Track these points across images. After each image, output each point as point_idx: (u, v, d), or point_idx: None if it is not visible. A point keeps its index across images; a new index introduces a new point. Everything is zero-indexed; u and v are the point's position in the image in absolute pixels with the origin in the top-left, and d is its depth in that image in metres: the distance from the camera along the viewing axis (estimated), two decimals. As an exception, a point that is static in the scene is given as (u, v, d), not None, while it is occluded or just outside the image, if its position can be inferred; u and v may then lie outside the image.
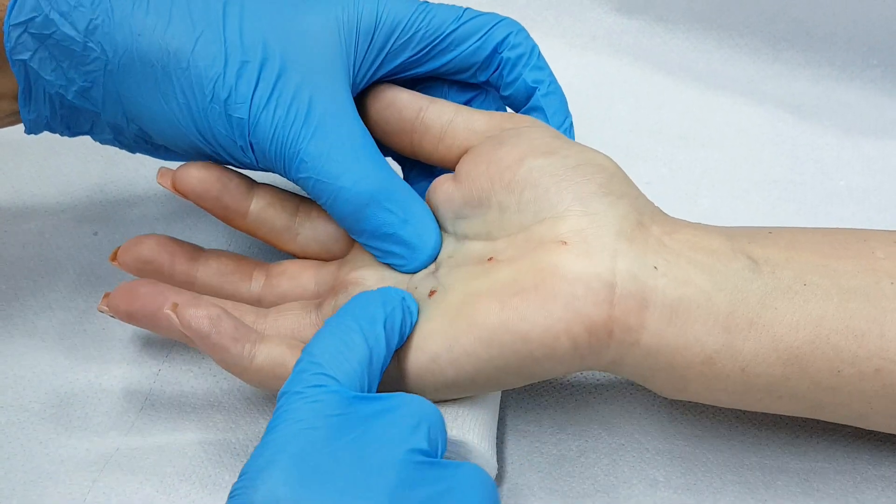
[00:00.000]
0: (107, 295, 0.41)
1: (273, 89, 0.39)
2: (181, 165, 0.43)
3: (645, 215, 0.39)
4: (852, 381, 0.38)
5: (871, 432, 0.43)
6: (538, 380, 0.39)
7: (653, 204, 0.41)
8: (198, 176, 0.42)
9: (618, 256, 0.37)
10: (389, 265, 0.42)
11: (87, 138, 0.43)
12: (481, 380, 0.38)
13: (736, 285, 0.38)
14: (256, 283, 0.44)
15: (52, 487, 0.42)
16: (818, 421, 0.44)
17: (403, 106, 0.43)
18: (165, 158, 0.45)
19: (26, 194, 0.53)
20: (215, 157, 0.42)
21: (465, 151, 0.42)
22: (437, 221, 0.42)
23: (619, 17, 0.63)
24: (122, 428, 0.44)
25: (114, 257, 0.43)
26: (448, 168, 0.43)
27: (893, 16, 0.58)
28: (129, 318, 0.40)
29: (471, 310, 0.37)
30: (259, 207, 0.44)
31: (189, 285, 0.43)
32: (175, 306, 0.39)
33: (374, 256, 0.42)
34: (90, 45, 0.39)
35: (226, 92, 0.39)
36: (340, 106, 0.40)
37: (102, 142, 0.44)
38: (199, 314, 0.39)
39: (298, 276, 0.44)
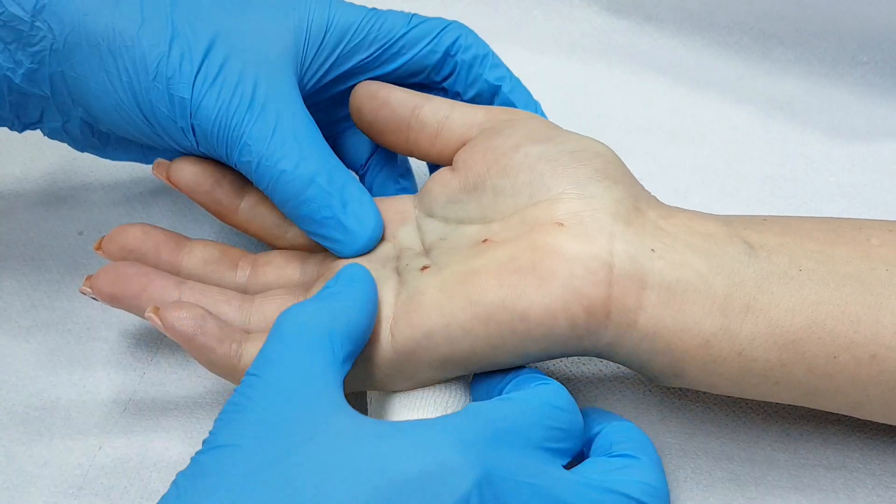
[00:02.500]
0: (89, 277, 0.41)
1: (218, 73, 0.40)
2: (177, 159, 0.43)
3: (641, 200, 0.39)
4: (848, 367, 0.38)
5: (862, 428, 0.43)
6: (534, 360, 0.39)
7: (648, 192, 0.41)
8: (192, 170, 0.43)
9: (615, 238, 0.37)
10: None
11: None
12: (476, 358, 0.38)
13: (732, 268, 0.38)
14: (242, 273, 0.44)
15: (36, 493, 0.42)
16: (810, 415, 0.43)
17: (398, 104, 0.43)
18: (113, 158, 0.46)
19: (10, 193, 0.53)
20: (159, 141, 0.42)
21: (459, 144, 0.43)
22: (429, 206, 0.42)
23: (609, 17, 0.63)
24: (104, 426, 0.44)
25: (98, 246, 0.43)
26: (445, 164, 0.43)
27: (883, 13, 0.57)
28: (112, 300, 0.40)
29: (468, 287, 0.37)
30: (250, 204, 0.44)
31: (174, 274, 0.43)
32: (157, 309, 0.39)
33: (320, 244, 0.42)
34: (37, 24, 0.39)
35: (170, 71, 0.39)
36: (285, 93, 0.41)
37: (52, 135, 0.44)
38: (183, 316, 0.38)
39: (284, 267, 0.44)
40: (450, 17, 0.46)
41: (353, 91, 0.44)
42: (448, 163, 0.43)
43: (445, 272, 0.38)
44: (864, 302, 0.37)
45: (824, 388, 0.38)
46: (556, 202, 0.38)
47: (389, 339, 0.38)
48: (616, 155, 0.41)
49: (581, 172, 0.39)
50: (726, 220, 0.40)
